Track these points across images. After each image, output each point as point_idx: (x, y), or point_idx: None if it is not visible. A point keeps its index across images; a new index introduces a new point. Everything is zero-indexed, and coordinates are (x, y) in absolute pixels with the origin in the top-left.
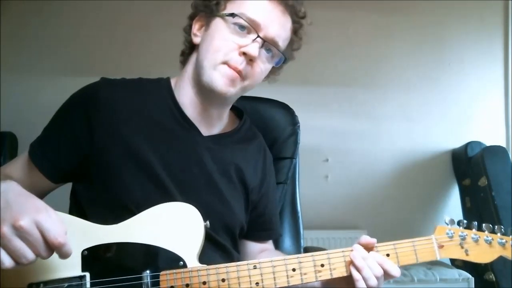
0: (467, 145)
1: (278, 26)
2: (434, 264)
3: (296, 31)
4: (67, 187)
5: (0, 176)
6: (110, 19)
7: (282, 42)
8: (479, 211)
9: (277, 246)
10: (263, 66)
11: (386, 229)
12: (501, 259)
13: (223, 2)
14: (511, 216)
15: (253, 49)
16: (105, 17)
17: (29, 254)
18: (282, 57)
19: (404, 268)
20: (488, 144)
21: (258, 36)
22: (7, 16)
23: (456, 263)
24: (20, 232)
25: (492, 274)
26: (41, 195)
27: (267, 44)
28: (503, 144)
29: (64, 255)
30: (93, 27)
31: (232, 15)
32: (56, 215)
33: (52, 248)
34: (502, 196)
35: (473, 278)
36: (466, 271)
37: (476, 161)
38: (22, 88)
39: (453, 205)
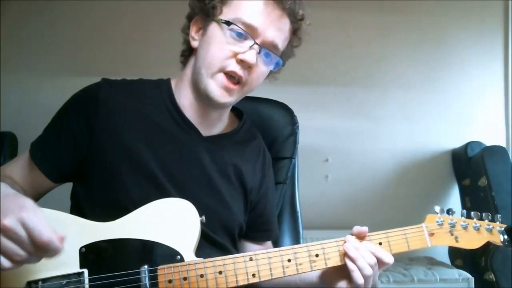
0: (467, 145)
1: (275, 30)
2: (434, 264)
3: (295, 32)
4: (68, 187)
5: (0, 176)
6: (110, 19)
7: (281, 45)
8: (479, 211)
9: (277, 246)
10: (261, 70)
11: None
12: (500, 259)
13: (219, 6)
14: (511, 216)
15: (251, 56)
16: (105, 17)
17: (20, 251)
18: (280, 60)
19: (404, 268)
20: (488, 144)
21: (255, 43)
22: (7, 16)
23: (456, 263)
24: (5, 232)
25: (492, 274)
26: (42, 193)
27: (265, 48)
28: (503, 144)
29: (51, 253)
30: (93, 27)
31: (228, 23)
32: (43, 214)
33: (39, 247)
34: (502, 196)
35: (473, 278)
36: (466, 271)
37: (476, 161)
38: (22, 88)
39: (453, 205)
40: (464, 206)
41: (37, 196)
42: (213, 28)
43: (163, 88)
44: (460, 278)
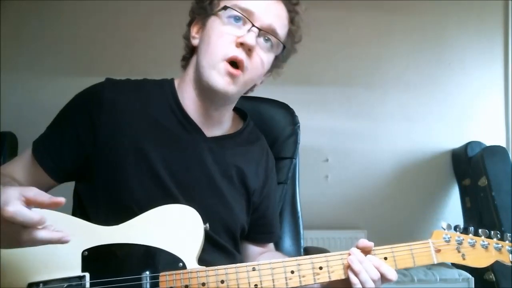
0: (467, 145)
1: (272, 14)
2: (434, 264)
3: (292, 19)
4: (70, 186)
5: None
6: (110, 19)
7: (280, 30)
8: (479, 211)
9: (277, 246)
10: (263, 56)
11: (386, 229)
12: None
13: (216, 1)
14: (511, 216)
15: (250, 38)
16: (105, 17)
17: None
18: (281, 44)
19: (404, 268)
20: (488, 144)
21: (253, 25)
22: (7, 16)
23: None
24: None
25: (492, 274)
26: (44, 191)
27: (264, 33)
28: (503, 144)
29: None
30: (93, 27)
31: (225, 7)
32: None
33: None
34: (502, 196)
35: (473, 278)
36: (466, 271)
37: (476, 161)
38: (22, 88)
39: (453, 205)
40: (464, 206)
41: None
42: (212, 21)
43: (167, 88)
44: (460, 278)
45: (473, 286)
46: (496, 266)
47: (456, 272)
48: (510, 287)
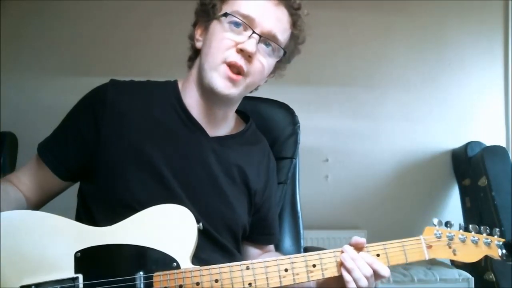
0: (467, 145)
1: (273, 19)
2: (434, 264)
3: (294, 23)
4: (73, 188)
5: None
6: (110, 19)
7: (281, 35)
8: (479, 211)
9: (277, 246)
10: (264, 61)
11: (386, 229)
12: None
13: (218, 5)
14: (511, 216)
15: (250, 45)
16: (105, 17)
17: None
18: (282, 50)
19: (404, 268)
20: (488, 144)
21: (254, 32)
22: (7, 16)
23: (456, 263)
24: None
25: (492, 274)
26: (51, 194)
27: (265, 39)
28: (503, 144)
29: None
30: (93, 27)
31: (225, 14)
32: None
33: None
34: (502, 196)
35: (473, 278)
36: (466, 271)
37: (476, 161)
38: (22, 88)
39: (453, 205)
40: (464, 206)
41: (47, 198)
42: (214, 25)
43: (170, 88)
44: (460, 278)
45: (473, 286)
46: (496, 266)
47: (456, 272)
48: (510, 287)
